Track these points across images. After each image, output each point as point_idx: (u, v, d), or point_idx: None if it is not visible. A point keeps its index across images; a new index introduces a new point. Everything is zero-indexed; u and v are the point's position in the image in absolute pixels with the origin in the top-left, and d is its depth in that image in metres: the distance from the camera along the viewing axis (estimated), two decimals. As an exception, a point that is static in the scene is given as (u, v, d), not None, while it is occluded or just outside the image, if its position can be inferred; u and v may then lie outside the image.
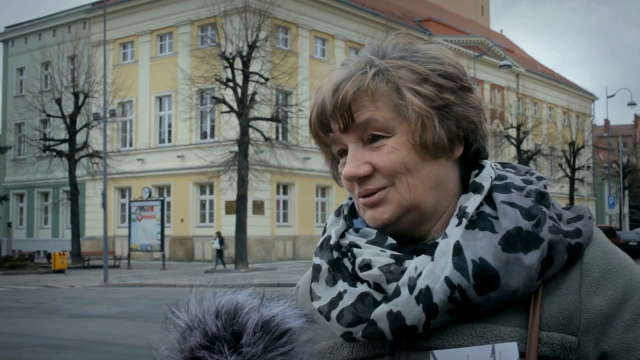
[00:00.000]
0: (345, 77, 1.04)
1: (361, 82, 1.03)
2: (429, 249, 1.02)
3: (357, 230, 1.09)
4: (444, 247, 1.00)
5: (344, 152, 1.07)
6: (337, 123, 1.04)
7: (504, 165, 1.14)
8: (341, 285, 1.05)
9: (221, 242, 29.27)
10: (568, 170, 49.47)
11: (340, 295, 1.04)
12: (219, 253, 29.32)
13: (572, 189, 49.01)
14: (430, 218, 1.06)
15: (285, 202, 36.23)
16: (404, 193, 1.03)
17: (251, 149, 29.16)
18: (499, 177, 1.08)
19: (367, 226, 1.08)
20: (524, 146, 45.96)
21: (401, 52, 1.06)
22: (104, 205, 26.31)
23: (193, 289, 0.97)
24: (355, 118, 1.03)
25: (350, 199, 1.14)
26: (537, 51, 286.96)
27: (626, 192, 62.58)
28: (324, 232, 1.13)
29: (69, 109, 33.52)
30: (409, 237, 1.07)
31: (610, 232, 34.55)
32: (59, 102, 33.17)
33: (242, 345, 0.90)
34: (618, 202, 57.65)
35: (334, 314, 1.03)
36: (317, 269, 1.09)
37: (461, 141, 1.06)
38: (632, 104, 46.19)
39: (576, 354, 0.98)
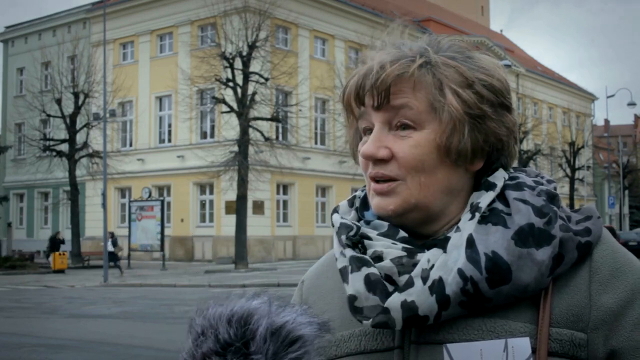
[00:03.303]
0: (393, 58, 1.04)
1: (407, 67, 1.03)
2: (440, 243, 1.03)
3: (368, 223, 1.09)
4: (457, 240, 1.01)
5: (368, 130, 1.07)
6: (372, 99, 1.05)
7: (514, 168, 1.14)
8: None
9: (114, 243, 28.21)
10: (568, 170, 49.52)
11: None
12: (112, 256, 27.76)
13: (572, 189, 49.05)
14: (437, 220, 1.07)
15: (285, 202, 36.22)
16: (414, 190, 1.04)
17: (251, 149, 29.15)
18: (511, 178, 1.09)
19: (379, 218, 1.08)
20: (524, 146, 45.97)
21: (455, 52, 1.06)
22: (104, 205, 26.31)
23: (215, 295, 0.99)
24: (391, 100, 1.03)
25: (363, 190, 1.15)
26: (544, 52, 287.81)
27: (626, 192, 62.65)
28: (334, 213, 1.14)
29: (69, 109, 33.51)
30: (417, 233, 1.07)
31: (610, 232, 34.72)
32: (59, 102, 33.16)
33: (252, 352, 0.90)
34: (618, 202, 57.69)
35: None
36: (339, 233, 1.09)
37: (484, 156, 1.06)
38: (632, 104, 46.27)
39: (585, 351, 0.99)
